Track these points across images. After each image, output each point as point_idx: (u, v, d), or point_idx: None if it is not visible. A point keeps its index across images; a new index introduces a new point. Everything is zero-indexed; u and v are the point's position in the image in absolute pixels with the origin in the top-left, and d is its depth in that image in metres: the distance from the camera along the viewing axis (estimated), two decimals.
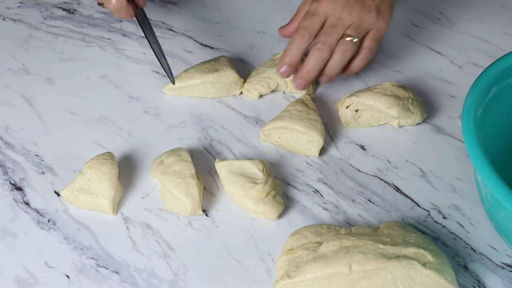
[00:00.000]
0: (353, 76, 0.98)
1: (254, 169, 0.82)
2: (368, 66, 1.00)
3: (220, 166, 0.83)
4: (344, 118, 0.91)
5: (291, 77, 0.94)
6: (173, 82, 0.93)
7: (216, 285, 0.76)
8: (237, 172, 0.82)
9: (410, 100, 0.91)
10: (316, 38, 0.88)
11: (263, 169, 0.82)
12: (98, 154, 0.83)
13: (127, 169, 0.86)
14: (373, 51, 0.90)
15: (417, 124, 0.92)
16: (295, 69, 0.90)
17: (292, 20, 0.94)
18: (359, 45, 0.89)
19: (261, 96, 0.95)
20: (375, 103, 0.89)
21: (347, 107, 0.91)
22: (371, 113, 0.91)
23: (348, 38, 0.87)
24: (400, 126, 0.92)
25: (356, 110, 0.91)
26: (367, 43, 0.89)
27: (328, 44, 0.87)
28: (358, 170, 0.88)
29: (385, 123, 0.92)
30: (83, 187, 0.81)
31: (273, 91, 0.96)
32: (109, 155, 0.84)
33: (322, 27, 0.88)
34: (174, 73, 0.97)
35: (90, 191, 0.81)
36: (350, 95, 0.91)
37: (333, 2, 0.88)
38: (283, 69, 0.89)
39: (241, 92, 0.96)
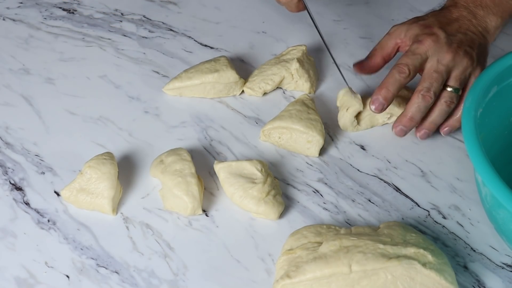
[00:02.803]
0: (352, 76, 0.98)
1: (253, 169, 0.82)
2: None
3: (219, 168, 0.83)
4: (342, 122, 0.91)
5: (297, 72, 0.94)
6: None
7: (216, 285, 0.76)
8: (236, 173, 0.82)
9: None
10: (419, 83, 0.86)
11: (261, 169, 0.82)
12: (98, 154, 0.83)
13: (127, 169, 0.86)
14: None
15: None
16: (388, 105, 0.86)
17: (372, 54, 0.90)
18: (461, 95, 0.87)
19: (264, 94, 0.95)
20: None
21: (347, 109, 0.90)
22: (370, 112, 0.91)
23: (450, 89, 0.86)
24: None
25: (358, 114, 0.91)
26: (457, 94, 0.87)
27: (432, 91, 0.84)
28: (358, 170, 0.88)
29: (386, 123, 0.92)
30: (83, 187, 0.81)
31: (273, 91, 0.96)
32: (109, 155, 0.84)
33: (422, 68, 0.86)
34: (174, 73, 0.97)
35: (90, 191, 0.81)
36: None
37: (436, 45, 0.85)
38: (378, 102, 0.85)
39: (242, 92, 0.96)
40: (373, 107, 0.85)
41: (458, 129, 0.89)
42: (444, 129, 0.89)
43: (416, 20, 0.90)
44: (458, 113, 0.87)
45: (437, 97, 0.85)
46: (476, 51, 0.86)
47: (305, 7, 0.92)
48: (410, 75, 0.85)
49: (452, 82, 0.85)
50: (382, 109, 0.85)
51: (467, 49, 0.86)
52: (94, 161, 0.82)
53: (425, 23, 0.88)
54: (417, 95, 0.85)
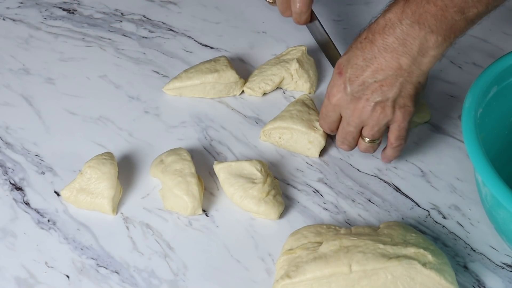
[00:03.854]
0: None
1: (252, 169, 0.82)
2: None
3: (219, 168, 0.83)
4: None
5: (296, 73, 0.94)
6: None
7: (216, 285, 0.76)
8: (236, 173, 0.82)
9: None
10: (337, 133, 0.85)
11: (261, 169, 0.82)
12: (98, 154, 0.83)
13: (127, 169, 0.86)
14: (404, 142, 0.83)
15: (418, 124, 0.92)
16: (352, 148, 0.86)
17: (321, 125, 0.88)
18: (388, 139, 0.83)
19: (264, 94, 0.95)
20: None
21: None
22: None
23: (367, 140, 0.83)
24: None
25: None
26: (392, 139, 0.82)
27: (346, 143, 0.84)
28: (358, 170, 0.88)
29: None
30: (83, 187, 0.81)
31: (273, 91, 0.96)
32: (109, 155, 0.84)
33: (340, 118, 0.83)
34: (174, 73, 0.97)
35: (90, 191, 0.81)
36: None
37: (342, 103, 0.80)
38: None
39: (242, 92, 0.96)
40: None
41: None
42: (384, 159, 0.86)
43: (345, 53, 0.82)
44: (389, 152, 0.84)
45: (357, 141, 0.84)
46: (394, 95, 0.77)
47: (316, 18, 0.93)
48: (334, 131, 0.85)
49: (365, 133, 0.82)
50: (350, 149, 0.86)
51: (379, 99, 0.77)
52: (94, 161, 0.82)
53: (340, 66, 0.80)
54: (337, 142, 0.85)
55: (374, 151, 0.84)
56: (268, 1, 0.98)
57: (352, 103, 0.79)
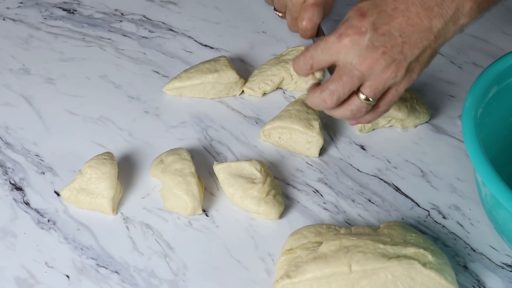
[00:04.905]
0: None
1: (252, 169, 0.82)
2: None
3: (219, 169, 0.83)
4: (359, 125, 0.91)
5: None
6: None
7: (216, 285, 0.76)
8: (236, 173, 0.82)
9: (415, 100, 0.91)
10: (325, 81, 0.74)
11: (261, 169, 0.82)
12: (98, 154, 0.83)
13: (127, 169, 0.86)
14: (386, 111, 0.76)
15: (418, 124, 0.92)
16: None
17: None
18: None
19: (264, 94, 0.95)
20: None
21: None
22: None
23: (363, 97, 0.72)
24: (404, 128, 0.92)
25: None
26: (384, 106, 0.75)
27: (336, 96, 0.72)
28: (358, 170, 0.88)
29: (389, 126, 0.92)
30: (83, 187, 0.81)
31: (273, 91, 0.96)
32: (109, 155, 0.84)
33: (333, 64, 0.73)
34: (174, 73, 0.97)
35: (90, 191, 0.81)
36: None
37: (355, 46, 0.70)
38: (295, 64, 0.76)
39: (242, 92, 0.96)
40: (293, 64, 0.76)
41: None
42: (352, 121, 0.78)
43: None
44: (368, 115, 0.76)
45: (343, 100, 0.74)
46: (412, 58, 0.71)
47: (322, 33, 0.92)
48: (313, 69, 0.74)
49: (367, 90, 0.72)
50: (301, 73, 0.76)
51: (397, 56, 0.70)
52: (94, 161, 0.82)
53: (363, 7, 0.71)
54: (318, 93, 0.73)
55: (359, 115, 0.75)
56: (278, 15, 0.99)
57: (367, 50, 0.69)
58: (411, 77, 0.72)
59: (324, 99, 0.73)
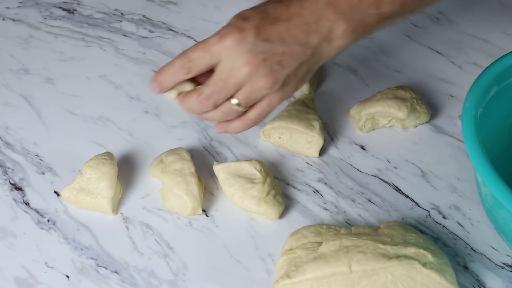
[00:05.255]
0: (352, 75, 0.98)
1: (252, 169, 0.82)
2: (368, 66, 1.00)
3: (218, 169, 0.83)
4: (360, 124, 0.91)
5: None
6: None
7: (216, 285, 0.76)
8: (236, 173, 0.82)
9: (415, 100, 0.91)
10: (203, 85, 0.73)
11: (261, 169, 0.82)
12: (98, 154, 0.83)
13: (127, 169, 0.86)
14: (257, 124, 0.76)
15: (419, 124, 0.92)
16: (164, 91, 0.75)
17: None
18: (245, 111, 0.75)
19: None
20: (384, 108, 0.89)
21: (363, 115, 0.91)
22: (373, 120, 0.91)
23: (234, 102, 0.72)
24: (404, 128, 0.92)
25: (371, 118, 0.91)
26: (253, 114, 0.74)
27: (212, 101, 0.72)
28: (358, 170, 0.88)
29: (389, 126, 0.92)
30: (83, 187, 0.81)
31: None
32: (108, 155, 0.84)
33: (211, 67, 0.72)
34: None
35: (89, 191, 0.81)
36: (358, 105, 0.91)
37: (237, 48, 0.69)
38: (153, 85, 0.74)
39: None
40: (151, 85, 0.74)
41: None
42: (219, 128, 0.77)
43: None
44: (237, 123, 0.75)
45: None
46: (288, 71, 0.71)
47: None
48: (190, 74, 0.72)
49: (240, 96, 0.72)
50: (158, 92, 0.74)
51: (274, 67, 0.70)
52: (93, 161, 0.82)
53: (246, 14, 0.71)
54: (196, 96, 0.73)
55: (227, 119, 0.74)
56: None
57: (249, 54, 0.69)
58: (286, 92, 0.72)
59: (200, 103, 0.72)
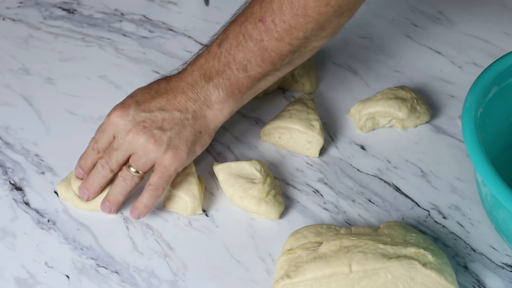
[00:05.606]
0: (352, 75, 0.98)
1: (252, 169, 0.82)
2: (368, 66, 1.00)
3: (218, 169, 0.83)
4: (360, 124, 0.91)
5: (297, 73, 0.94)
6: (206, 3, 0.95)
7: (216, 285, 0.76)
8: (235, 174, 0.82)
9: (415, 100, 0.91)
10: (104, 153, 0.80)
11: (261, 169, 0.82)
12: None
13: None
14: (162, 188, 0.79)
15: (419, 124, 0.92)
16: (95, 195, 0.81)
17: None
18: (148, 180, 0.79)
19: (264, 94, 0.95)
20: (385, 108, 0.89)
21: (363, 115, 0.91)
22: (373, 119, 0.91)
23: (131, 169, 0.78)
24: (404, 128, 0.92)
25: (371, 118, 0.91)
26: (153, 179, 0.78)
27: (108, 165, 0.79)
28: (358, 170, 0.88)
29: (389, 126, 0.92)
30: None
31: (273, 90, 0.96)
32: None
33: (110, 143, 0.80)
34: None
35: None
36: (359, 104, 0.91)
37: (120, 121, 0.78)
38: (77, 171, 0.82)
39: None
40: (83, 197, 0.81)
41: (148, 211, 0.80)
42: (133, 212, 0.79)
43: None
44: (144, 197, 0.79)
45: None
46: (172, 133, 0.77)
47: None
48: (100, 153, 0.80)
49: (132, 160, 0.78)
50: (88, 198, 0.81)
51: (156, 132, 0.77)
52: None
53: (133, 92, 0.81)
54: (97, 165, 0.80)
55: (131, 185, 0.79)
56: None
57: (130, 124, 0.77)
58: (178, 154, 0.78)
59: (102, 167, 0.79)
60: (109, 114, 0.79)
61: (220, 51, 0.78)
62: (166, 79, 0.81)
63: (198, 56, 0.81)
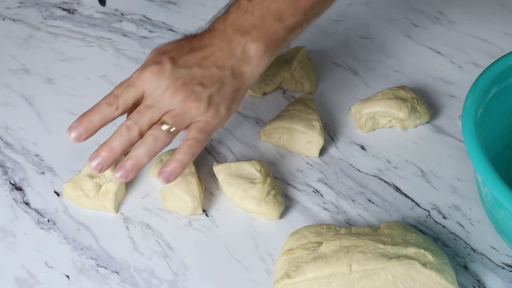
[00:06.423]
0: (352, 75, 0.98)
1: (252, 169, 0.82)
2: (368, 66, 1.00)
3: (218, 170, 0.83)
4: (361, 123, 0.91)
5: (296, 73, 0.94)
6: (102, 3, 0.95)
7: (216, 285, 0.76)
8: (235, 174, 0.82)
9: (416, 100, 0.91)
10: (131, 115, 0.73)
11: (260, 169, 0.82)
12: None
13: None
14: (201, 143, 0.73)
15: (419, 124, 0.92)
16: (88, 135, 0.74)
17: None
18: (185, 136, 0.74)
19: (264, 94, 0.95)
20: (385, 108, 0.89)
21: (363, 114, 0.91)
22: (373, 119, 0.91)
23: (164, 126, 0.72)
24: (404, 128, 0.92)
25: (371, 117, 0.91)
26: (192, 133, 0.73)
27: (138, 125, 0.72)
28: (358, 170, 0.88)
29: (389, 127, 0.92)
30: (91, 173, 0.81)
31: (273, 90, 0.96)
32: None
33: (136, 102, 0.74)
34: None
35: (96, 176, 0.81)
36: (359, 104, 0.91)
37: (157, 78, 0.72)
38: (72, 131, 0.73)
39: None
40: (92, 165, 0.72)
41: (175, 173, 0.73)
42: (161, 172, 0.72)
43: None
44: (180, 152, 0.73)
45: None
46: (213, 90, 0.73)
47: None
48: (119, 110, 0.73)
49: (166, 118, 0.72)
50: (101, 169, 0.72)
51: (197, 88, 0.73)
52: None
53: (163, 48, 0.76)
54: (120, 126, 0.73)
55: (161, 145, 0.72)
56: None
57: (168, 81, 0.72)
58: (219, 112, 0.74)
59: (129, 129, 0.72)
60: (141, 70, 0.73)
61: (252, 5, 0.76)
62: (195, 37, 0.77)
63: (226, 13, 0.77)
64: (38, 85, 0.96)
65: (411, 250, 0.72)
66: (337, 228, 0.77)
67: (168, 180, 0.72)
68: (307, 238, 0.76)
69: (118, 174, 0.71)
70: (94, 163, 0.72)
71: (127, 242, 0.79)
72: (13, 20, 1.06)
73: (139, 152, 0.72)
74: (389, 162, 0.88)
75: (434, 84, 0.98)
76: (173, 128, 0.73)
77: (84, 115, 0.74)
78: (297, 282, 0.72)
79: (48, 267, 0.77)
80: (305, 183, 0.86)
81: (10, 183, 0.85)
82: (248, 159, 0.88)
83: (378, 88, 0.96)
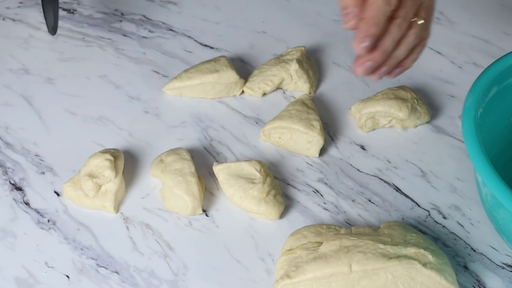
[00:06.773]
0: (352, 75, 0.98)
1: (252, 169, 0.82)
2: None
3: (218, 170, 0.83)
4: (361, 123, 0.91)
5: (296, 73, 0.94)
6: (51, 32, 0.95)
7: (216, 285, 0.76)
8: (235, 174, 0.82)
9: (416, 100, 0.91)
10: (396, 12, 0.69)
11: (260, 169, 0.82)
12: (106, 149, 0.85)
13: (127, 169, 0.86)
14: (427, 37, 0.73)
15: (419, 124, 0.92)
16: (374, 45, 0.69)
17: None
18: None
19: (264, 94, 0.95)
20: (385, 108, 0.89)
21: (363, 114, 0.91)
22: (373, 119, 0.91)
23: (420, 22, 0.70)
24: (404, 128, 0.92)
25: (371, 117, 0.91)
26: (427, 32, 0.72)
27: (407, 21, 0.69)
28: (358, 170, 0.88)
29: (389, 127, 0.92)
30: (90, 173, 0.81)
31: (273, 90, 0.96)
32: (118, 152, 0.85)
33: None
34: (174, 73, 0.96)
35: (96, 176, 0.81)
36: (360, 103, 0.91)
37: None
38: (366, 42, 0.68)
39: (242, 92, 0.96)
40: (362, 45, 0.69)
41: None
42: (396, 70, 0.72)
43: None
44: (413, 54, 0.72)
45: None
46: None
47: None
48: (391, 7, 0.68)
49: (422, 12, 0.70)
50: (368, 49, 0.69)
51: None
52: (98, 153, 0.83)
53: None
54: (392, 25, 0.69)
55: (423, 43, 0.71)
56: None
57: None
58: None
59: (399, 28, 0.68)
60: None
61: None
62: None
63: None
64: (38, 85, 0.96)
65: (411, 250, 0.72)
66: (337, 228, 0.77)
67: (395, 75, 0.72)
68: (307, 238, 0.76)
69: (383, 69, 0.70)
70: (365, 67, 0.70)
71: (127, 242, 0.79)
72: (13, 20, 1.06)
73: (401, 54, 0.70)
74: (389, 162, 0.88)
75: (434, 84, 0.98)
76: (425, 24, 0.70)
77: (363, 23, 0.69)
78: (297, 282, 0.72)
79: (48, 267, 0.77)
80: (305, 183, 0.86)
81: (10, 183, 0.85)
82: (248, 159, 0.88)
83: (378, 88, 0.96)
